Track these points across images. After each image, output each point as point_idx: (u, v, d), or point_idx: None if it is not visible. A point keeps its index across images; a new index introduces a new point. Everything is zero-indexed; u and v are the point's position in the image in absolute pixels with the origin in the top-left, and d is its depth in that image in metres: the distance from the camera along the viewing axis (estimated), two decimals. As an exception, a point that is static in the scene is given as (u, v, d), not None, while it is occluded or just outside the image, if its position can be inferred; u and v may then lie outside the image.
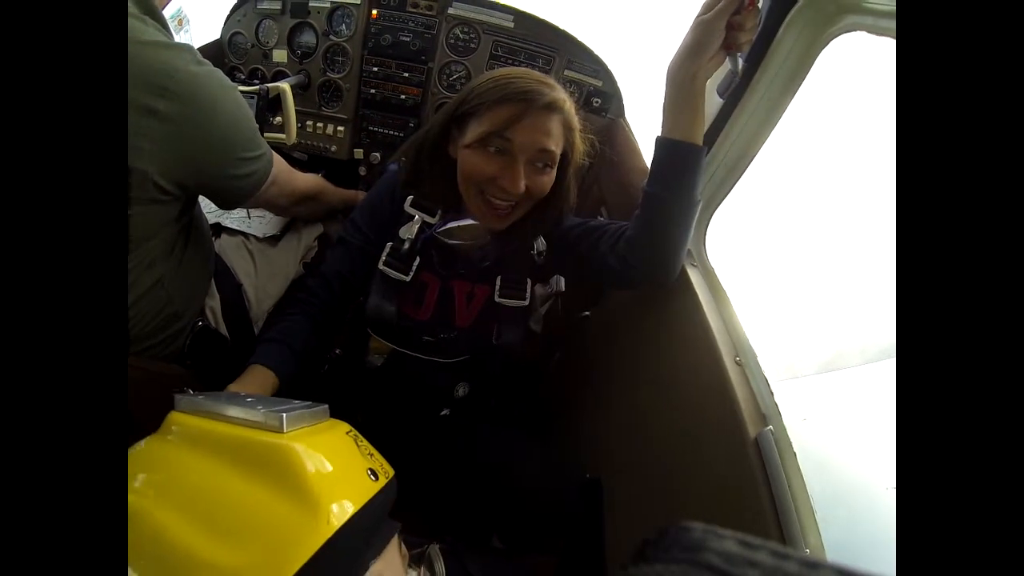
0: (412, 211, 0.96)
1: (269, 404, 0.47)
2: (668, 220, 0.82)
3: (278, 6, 1.47)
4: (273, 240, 1.25)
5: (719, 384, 0.72)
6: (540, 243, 1.00)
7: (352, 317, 1.09)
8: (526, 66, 1.37)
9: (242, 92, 1.15)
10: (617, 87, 1.39)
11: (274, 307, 1.17)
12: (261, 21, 1.50)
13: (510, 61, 1.40)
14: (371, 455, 0.50)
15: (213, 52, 1.55)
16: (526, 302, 0.98)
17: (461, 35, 1.42)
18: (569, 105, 0.88)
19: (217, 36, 1.56)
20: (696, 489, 0.72)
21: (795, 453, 0.66)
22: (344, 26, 1.45)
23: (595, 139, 0.96)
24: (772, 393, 0.70)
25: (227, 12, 1.55)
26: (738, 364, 0.74)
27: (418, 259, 0.96)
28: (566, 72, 1.38)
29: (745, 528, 0.64)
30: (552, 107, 0.84)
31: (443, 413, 1.06)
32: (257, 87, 1.16)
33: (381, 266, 0.95)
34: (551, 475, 0.92)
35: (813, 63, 0.86)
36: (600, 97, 1.39)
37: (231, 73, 1.54)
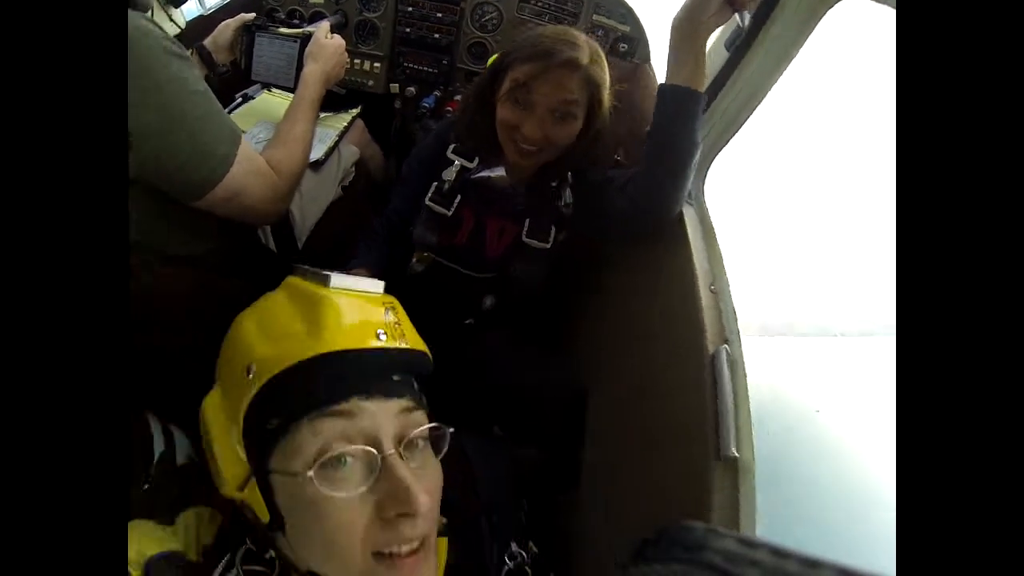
0: (453, 157, 1.11)
1: (343, 276, 0.63)
2: (669, 161, 0.90)
3: (316, -53, 1.53)
4: (316, 165, 1.38)
5: (692, 306, 0.82)
6: (567, 195, 1.09)
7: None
8: (554, 9, 1.43)
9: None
10: (644, 33, 1.43)
11: (316, 224, 1.32)
12: (299, -39, 1.56)
13: (540, 3, 1.45)
14: (398, 324, 0.63)
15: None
16: (548, 245, 1.10)
17: (494, -25, 1.47)
18: (591, 61, 0.94)
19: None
20: (656, 397, 0.85)
21: (746, 374, 0.77)
22: (380, -34, 1.51)
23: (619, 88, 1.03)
24: (736, 319, 0.82)
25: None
26: (712, 292, 0.84)
27: (459, 197, 1.10)
28: (594, 17, 1.42)
29: (681, 433, 0.77)
30: (570, 64, 0.92)
31: (468, 322, 1.22)
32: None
33: (427, 201, 1.11)
34: (549, 379, 1.08)
35: (818, 23, 0.90)
36: (627, 43, 1.43)
37: (269, 14, 1.60)
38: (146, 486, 0.86)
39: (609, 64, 0.98)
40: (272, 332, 0.58)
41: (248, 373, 0.55)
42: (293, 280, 0.65)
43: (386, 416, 0.56)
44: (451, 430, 0.61)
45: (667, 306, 0.90)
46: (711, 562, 0.20)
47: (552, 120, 0.96)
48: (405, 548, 0.54)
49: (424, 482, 0.56)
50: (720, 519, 0.68)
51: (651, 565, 0.22)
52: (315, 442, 0.53)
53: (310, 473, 0.51)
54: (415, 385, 0.63)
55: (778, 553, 0.20)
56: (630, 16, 1.42)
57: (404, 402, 0.58)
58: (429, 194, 1.11)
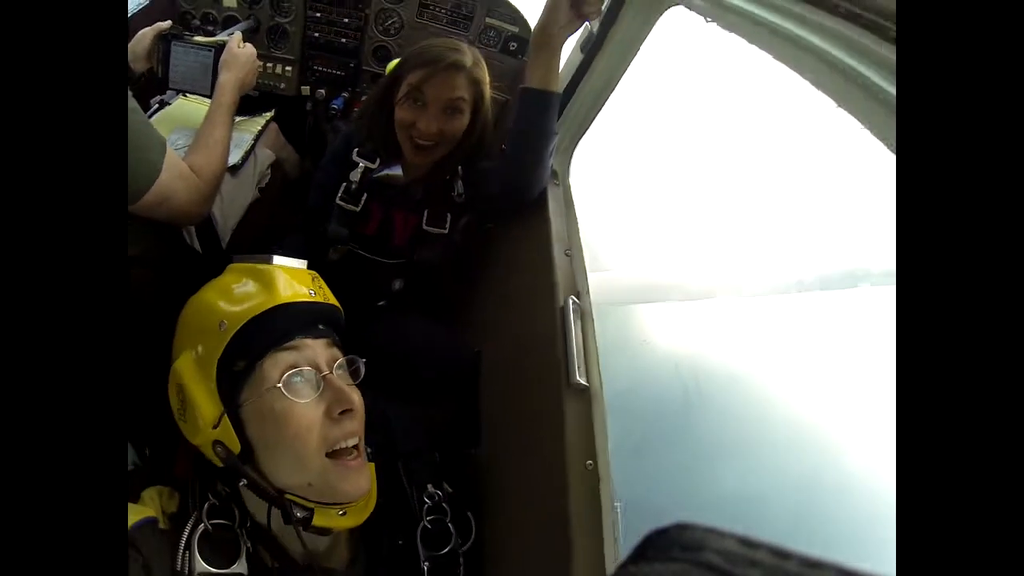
0: (357, 159, 1.24)
1: (279, 257, 0.82)
2: (528, 149, 1.09)
3: (228, -48, 1.59)
4: (234, 169, 1.46)
5: (548, 267, 1.00)
6: (459, 186, 1.24)
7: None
8: (450, 14, 1.56)
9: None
10: (531, 33, 1.58)
11: (237, 225, 1.42)
12: (211, -33, 1.62)
13: (438, 9, 1.57)
14: (321, 287, 0.82)
15: (166, -3, 1.67)
16: (446, 231, 1.26)
17: (395, -16, 1.59)
18: (474, 64, 1.11)
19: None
20: (524, 346, 1.01)
21: (594, 319, 0.95)
22: (290, -26, 1.59)
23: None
24: (587, 276, 0.99)
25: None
26: (567, 255, 1.02)
27: (366, 194, 1.24)
28: (487, 20, 1.56)
29: (543, 371, 0.93)
30: (456, 66, 1.09)
31: (380, 304, 1.36)
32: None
33: (338, 200, 1.24)
34: (447, 349, 1.24)
35: (652, 28, 1.08)
36: (516, 42, 1.57)
37: (183, 18, 1.66)
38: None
39: (500, 62, 1.19)
40: (233, 296, 0.77)
41: (221, 327, 0.74)
42: (236, 265, 0.84)
43: (320, 348, 0.78)
44: (363, 360, 0.83)
45: (531, 269, 1.08)
46: (710, 562, 0.20)
47: (444, 116, 1.12)
48: (350, 442, 0.75)
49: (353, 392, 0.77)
50: (575, 441, 0.84)
51: (651, 564, 0.22)
52: (276, 370, 0.73)
53: (279, 385, 0.72)
54: (334, 334, 0.83)
55: (779, 553, 0.20)
56: (519, 19, 1.56)
57: (329, 340, 0.80)
58: (340, 194, 1.24)
